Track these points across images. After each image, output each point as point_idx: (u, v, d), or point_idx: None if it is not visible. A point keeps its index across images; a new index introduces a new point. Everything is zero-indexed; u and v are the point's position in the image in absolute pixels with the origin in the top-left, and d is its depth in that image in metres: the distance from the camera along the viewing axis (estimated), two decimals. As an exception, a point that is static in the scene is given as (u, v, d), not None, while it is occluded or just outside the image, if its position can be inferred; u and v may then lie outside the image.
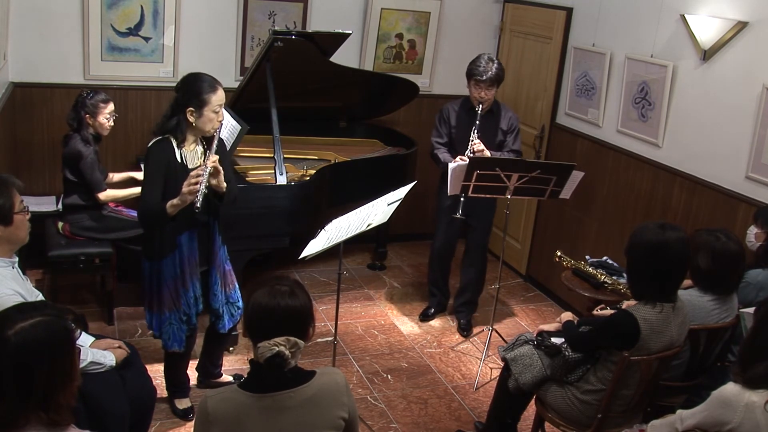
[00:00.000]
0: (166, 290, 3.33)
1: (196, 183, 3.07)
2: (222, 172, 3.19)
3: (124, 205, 4.52)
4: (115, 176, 4.57)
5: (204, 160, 3.19)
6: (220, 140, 3.34)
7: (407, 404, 3.95)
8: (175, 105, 3.20)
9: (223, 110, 3.27)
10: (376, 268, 5.61)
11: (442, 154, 4.44)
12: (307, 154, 5.00)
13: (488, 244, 4.77)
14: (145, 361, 3.21)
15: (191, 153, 3.27)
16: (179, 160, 3.22)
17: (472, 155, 4.16)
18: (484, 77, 4.23)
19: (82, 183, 4.19)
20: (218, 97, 3.17)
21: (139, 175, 4.71)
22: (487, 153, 4.25)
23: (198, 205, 3.08)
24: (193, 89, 3.16)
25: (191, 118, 3.16)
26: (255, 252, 4.19)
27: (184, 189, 3.07)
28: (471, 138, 4.25)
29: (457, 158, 4.21)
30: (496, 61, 4.30)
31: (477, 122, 4.28)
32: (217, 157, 3.18)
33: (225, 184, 3.24)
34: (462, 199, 4.19)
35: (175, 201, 3.10)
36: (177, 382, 3.68)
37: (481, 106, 4.30)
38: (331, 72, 4.83)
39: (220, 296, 3.51)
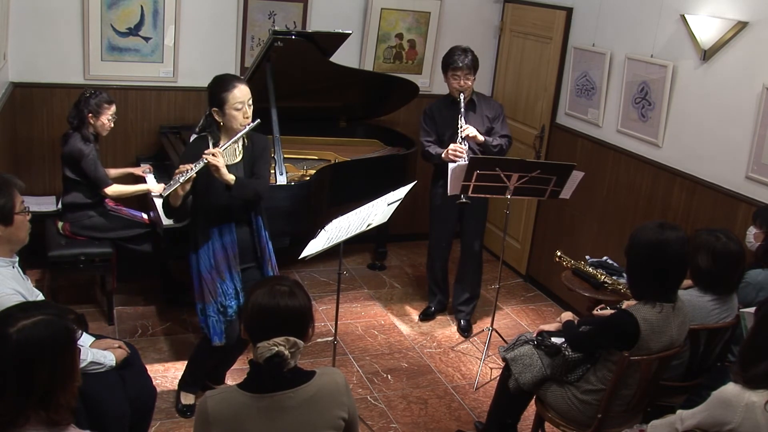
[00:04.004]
0: (204, 281, 3.41)
1: (184, 169, 3.20)
2: (221, 167, 3.20)
3: (124, 204, 4.51)
4: (113, 171, 4.57)
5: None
6: (260, 138, 3.46)
7: (407, 404, 3.95)
8: (207, 107, 3.38)
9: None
10: (376, 268, 5.61)
11: (434, 149, 4.43)
12: (307, 154, 5.01)
13: (482, 241, 4.76)
14: (145, 361, 3.21)
15: (226, 151, 3.35)
16: None
17: (463, 140, 4.18)
18: (461, 64, 4.28)
19: (83, 181, 4.19)
20: (236, 95, 3.26)
21: (138, 170, 4.73)
22: (480, 137, 4.28)
23: (183, 183, 3.20)
24: (212, 90, 3.33)
25: (218, 118, 3.31)
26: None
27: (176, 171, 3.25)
28: (459, 125, 4.25)
29: (449, 147, 4.22)
30: (470, 51, 4.35)
31: (462, 109, 4.28)
32: (218, 150, 3.23)
33: (229, 177, 3.26)
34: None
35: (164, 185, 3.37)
36: (197, 374, 3.67)
37: (462, 95, 4.31)
38: (331, 72, 4.83)
39: None
